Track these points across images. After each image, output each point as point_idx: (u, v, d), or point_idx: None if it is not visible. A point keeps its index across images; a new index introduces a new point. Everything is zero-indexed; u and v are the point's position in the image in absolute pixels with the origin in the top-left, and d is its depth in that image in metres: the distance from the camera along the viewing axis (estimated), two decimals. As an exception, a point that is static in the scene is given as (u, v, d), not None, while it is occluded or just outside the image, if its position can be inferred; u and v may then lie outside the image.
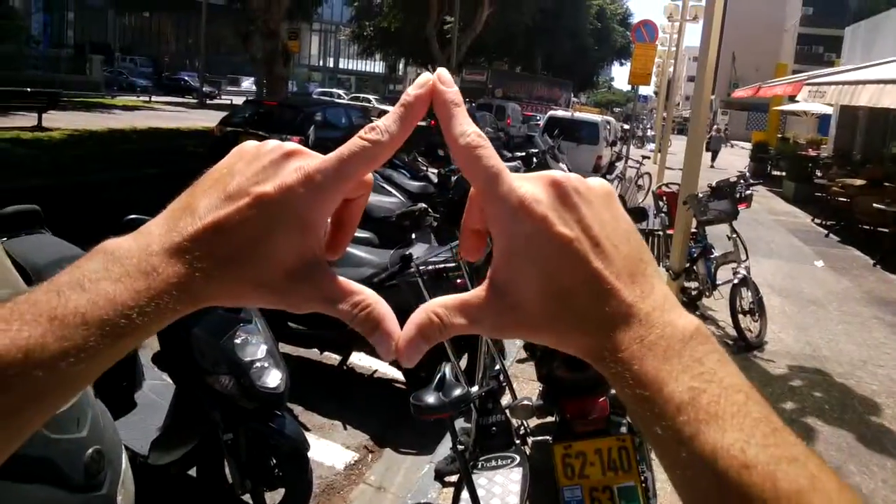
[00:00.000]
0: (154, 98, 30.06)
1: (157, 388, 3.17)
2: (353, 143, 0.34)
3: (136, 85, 33.97)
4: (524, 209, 0.33)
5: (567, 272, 0.32)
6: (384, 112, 0.38)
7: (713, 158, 23.47)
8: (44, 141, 12.56)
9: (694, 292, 5.86)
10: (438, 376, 2.74)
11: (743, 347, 4.98)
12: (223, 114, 12.38)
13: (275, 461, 2.72)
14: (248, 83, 37.78)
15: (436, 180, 7.43)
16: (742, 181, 5.67)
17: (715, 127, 27.90)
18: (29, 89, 15.14)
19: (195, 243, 0.33)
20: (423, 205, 5.22)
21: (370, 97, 36.88)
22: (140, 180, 10.12)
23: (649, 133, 35.09)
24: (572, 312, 0.33)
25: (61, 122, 15.11)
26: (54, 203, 5.58)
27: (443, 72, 0.36)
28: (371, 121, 0.38)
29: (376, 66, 55.90)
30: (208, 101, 31.66)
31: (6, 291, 2.14)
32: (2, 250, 2.22)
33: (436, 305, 0.34)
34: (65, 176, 9.62)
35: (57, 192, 8.37)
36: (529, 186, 0.34)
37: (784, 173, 17.81)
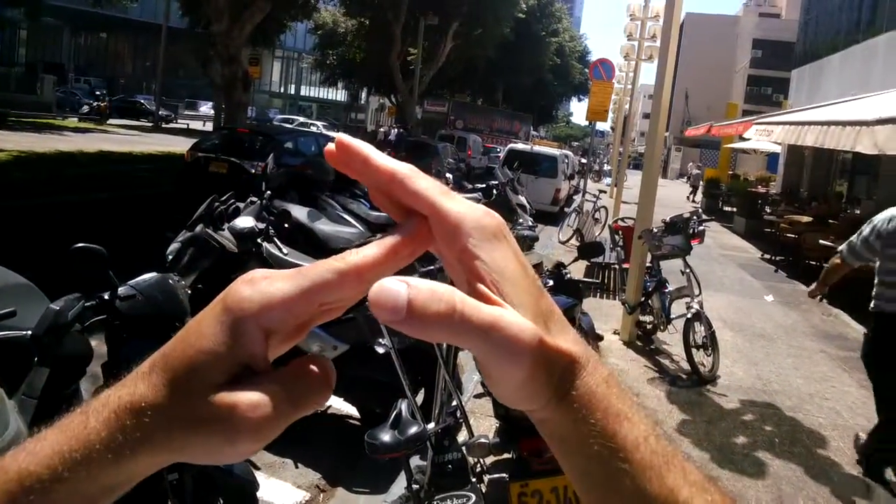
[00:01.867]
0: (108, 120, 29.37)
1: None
2: None
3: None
4: None
5: None
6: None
7: (693, 193, 25.93)
8: (-12, 162, 12.12)
9: (649, 326, 5.95)
10: (394, 413, 2.69)
11: (697, 381, 5.05)
12: (178, 138, 12.20)
13: (222, 502, 2.61)
14: (206, 107, 37.35)
15: (395, 211, 7.41)
16: (695, 217, 5.84)
17: (697, 165, 30.03)
18: (-27, 108, 14.65)
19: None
20: (382, 236, 5.18)
21: (318, 123, 37.51)
22: (88, 205, 9.81)
23: (606, 167, 36.01)
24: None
25: (9, 142, 14.62)
26: (-4, 228, 5.38)
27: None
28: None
29: (338, 94, 56.12)
30: (164, 125, 31.11)
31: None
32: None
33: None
34: (8, 199, 9.26)
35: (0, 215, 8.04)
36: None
37: (735, 209, 18.44)
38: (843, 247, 3.87)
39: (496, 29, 26.91)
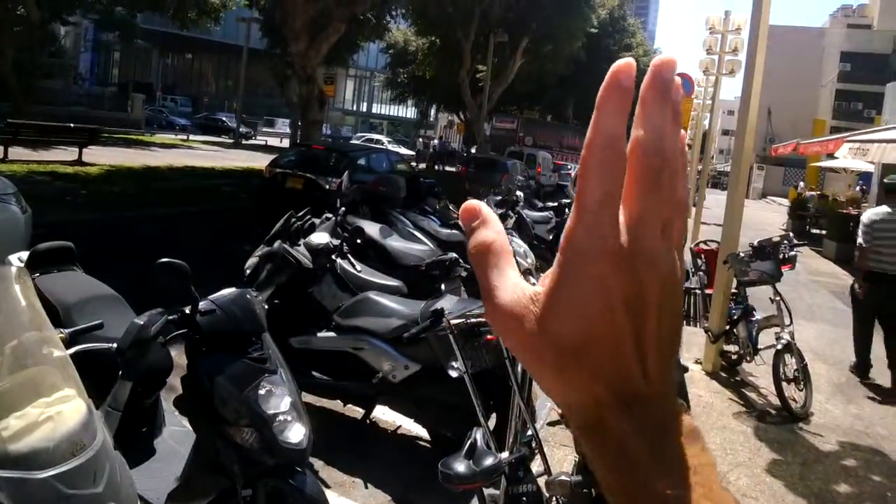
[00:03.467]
0: (191, 137, 30.90)
1: (177, 435, 3.07)
2: None
3: (175, 123, 35.02)
4: None
5: None
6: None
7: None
8: (81, 175, 12.89)
9: (734, 356, 5.61)
10: (469, 442, 2.60)
11: (788, 418, 4.69)
12: (257, 154, 12.66)
13: (293, 519, 2.57)
14: (283, 125, 38.81)
15: (466, 228, 7.35)
16: (786, 241, 5.47)
17: (810, 186, 29.09)
18: (72, 125, 15.66)
19: None
20: (454, 254, 5.13)
21: (383, 139, 39.30)
22: (173, 218, 10.26)
23: (683, 186, 34.95)
24: None
25: (101, 157, 15.53)
26: (87, 239, 5.64)
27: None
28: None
29: (408, 111, 57.02)
30: (244, 142, 32.41)
31: (34, 334, 2.08)
32: (33, 290, 2.17)
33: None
34: (100, 211, 9.79)
35: (91, 227, 8.48)
36: None
37: (824, 231, 17.35)
38: (860, 241, 5.73)
39: (567, 45, 26.64)
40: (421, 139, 43.34)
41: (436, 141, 38.52)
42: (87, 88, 33.73)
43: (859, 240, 5.75)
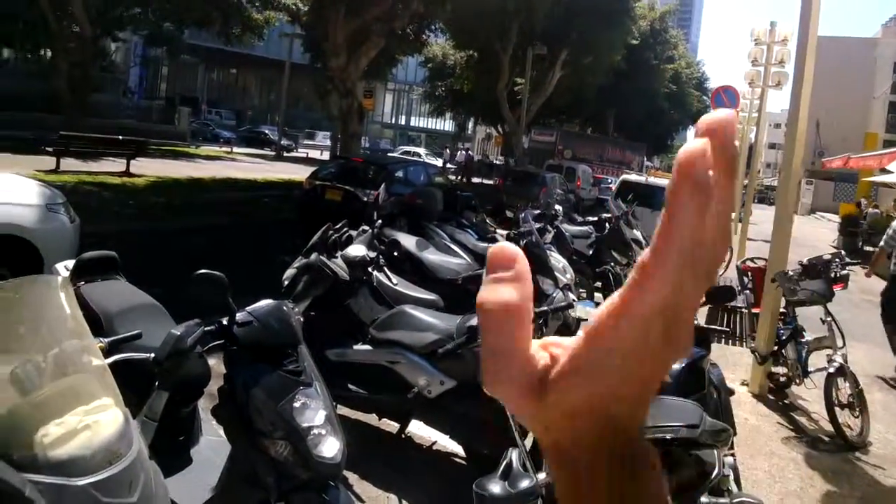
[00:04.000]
0: (235, 149, 31.59)
1: (213, 445, 3.07)
2: None
3: (220, 136, 35.88)
4: None
5: None
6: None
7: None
8: (129, 186, 13.25)
9: (782, 379, 5.39)
10: (505, 463, 2.54)
11: (842, 446, 4.45)
12: (298, 166, 12.81)
13: (325, 534, 2.53)
14: (323, 137, 39.52)
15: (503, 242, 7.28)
16: (837, 259, 5.24)
17: (875, 203, 28.39)
18: (120, 137, 16.17)
19: None
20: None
21: (420, 151, 40.11)
22: (216, 229, 10.45)
23: (727, 201, 33.98)
24: None
25: (148, 168, 15.96)
26: (132, 248, 5.77)
27: None
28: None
29: (446, 124, 57.33)
30: (285, 154, 33.02)
31: (75, 342, 2.11)
32: (74, 302, 2.20)
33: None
34: (145, 222, 10.04)
35: (136, 237, 8.70)
36: None
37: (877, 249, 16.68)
38: (882, 243, 6.49)
39: (607, 57, 26.40)
40: (447, 150, 43.18)
41: (461, 153, 38.12)
42: (136, 102, 34.83)
43: (884, 243, 6.34)
